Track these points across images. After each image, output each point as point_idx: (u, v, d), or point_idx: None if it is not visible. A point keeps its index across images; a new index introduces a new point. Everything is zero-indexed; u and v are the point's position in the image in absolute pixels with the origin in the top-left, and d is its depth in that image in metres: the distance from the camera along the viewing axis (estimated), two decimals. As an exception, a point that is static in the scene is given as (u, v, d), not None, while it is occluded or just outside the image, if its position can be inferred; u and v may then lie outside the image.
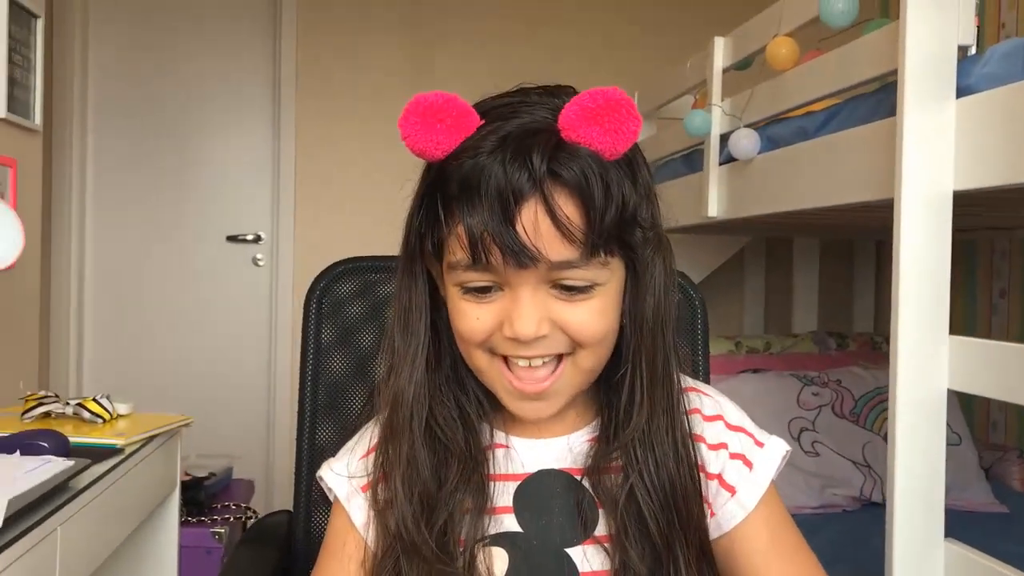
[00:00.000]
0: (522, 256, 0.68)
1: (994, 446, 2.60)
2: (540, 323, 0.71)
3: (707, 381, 1.13)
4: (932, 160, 1.24)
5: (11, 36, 2.06)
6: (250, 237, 3.49)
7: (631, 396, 0.76)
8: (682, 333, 1.13)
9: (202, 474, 2.29)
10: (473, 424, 0.79)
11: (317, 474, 0.85)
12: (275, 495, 3.30)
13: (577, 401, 0.80)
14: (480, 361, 0.75)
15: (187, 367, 3.46)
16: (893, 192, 1.27)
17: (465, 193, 0.69)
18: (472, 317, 0.73)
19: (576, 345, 0.73)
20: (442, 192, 0.71)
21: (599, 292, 0.72)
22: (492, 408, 0.81)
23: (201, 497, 2.23)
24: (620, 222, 0.70)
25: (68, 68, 3.35)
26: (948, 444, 1.27)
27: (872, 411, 2.35)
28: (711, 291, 3.23)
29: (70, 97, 3.35)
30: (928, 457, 1.25)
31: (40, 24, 2.22)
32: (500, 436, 0.81)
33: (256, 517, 2.20)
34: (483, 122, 0.71)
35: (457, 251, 0.71)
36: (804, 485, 2.19)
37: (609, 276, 0.73)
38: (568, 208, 0.68)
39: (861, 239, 3.25)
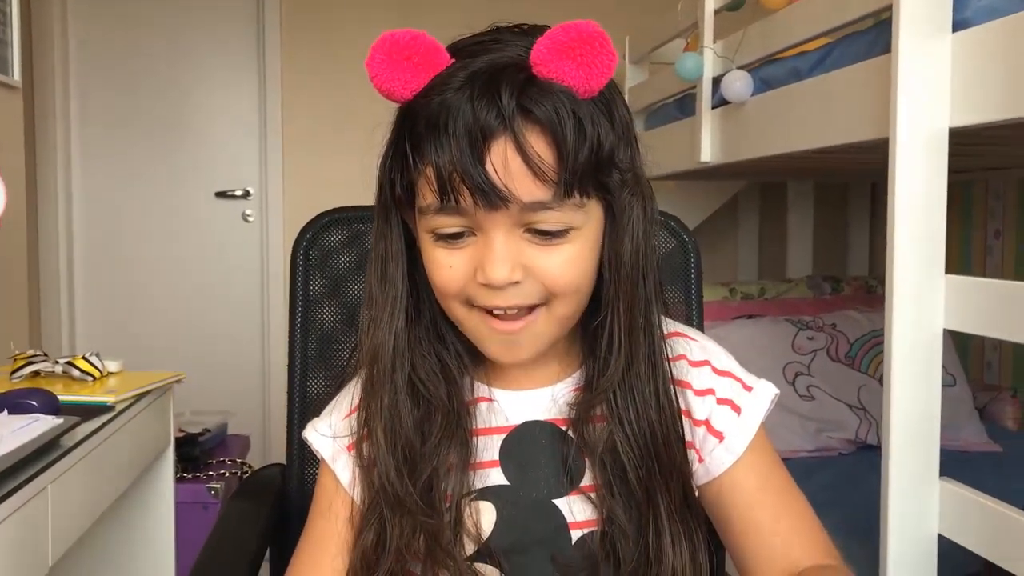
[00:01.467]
0: (492, 196, 0.65)
1: (988, 387, 2.61)
2: (513, 268, 0.68)
3: (701, 327, 1.12)
4: (927, 96, 1.22)
5: (-15, -10, 2.01)
6: (239, 193, 3.46)
7: (610, 342, 0.74)
8: (675, 279, 1.12)
9: (196, 430, 2.29)
10: (455, 378, 0.77)
11: (303, 434, 0.84)
12: (271, 450, 3.31)
13: (560, 351, 0.79)
14: (459, 312, 0.73)
15: (179, 324, 3.45)
16: (888, 131, 1.25)
17: (432, 132, 0.66)
18: (445, 265, 0.70)
19: (550, 295, 0.71)
20: (410, 132, 0.68)
21: (575, 237, 0.70)
22: (473, 362, 0.79)
23: (196, 453, 2.23)
24: (595, 162, 0.68)
25: (48, 24, 3.28)
26: (943, 385, 1.27)
27: (867, 354, 2.36)
28: (705, 237, 3.22)
29: (50, 54, 3.29)
30: (924, 396, 1.24)
31: (16, -23, 2.16)
32: (483, 389, 0.79)
33: (251, 471, 2.21)
34: (453, 60, 0.69)
35: (427, 194, 0.68)
36: (800, 429, 2.20)
37: (585, 219, 0.70)
38: (539, 146, 0.65)
39: (856, 182, 3.23)
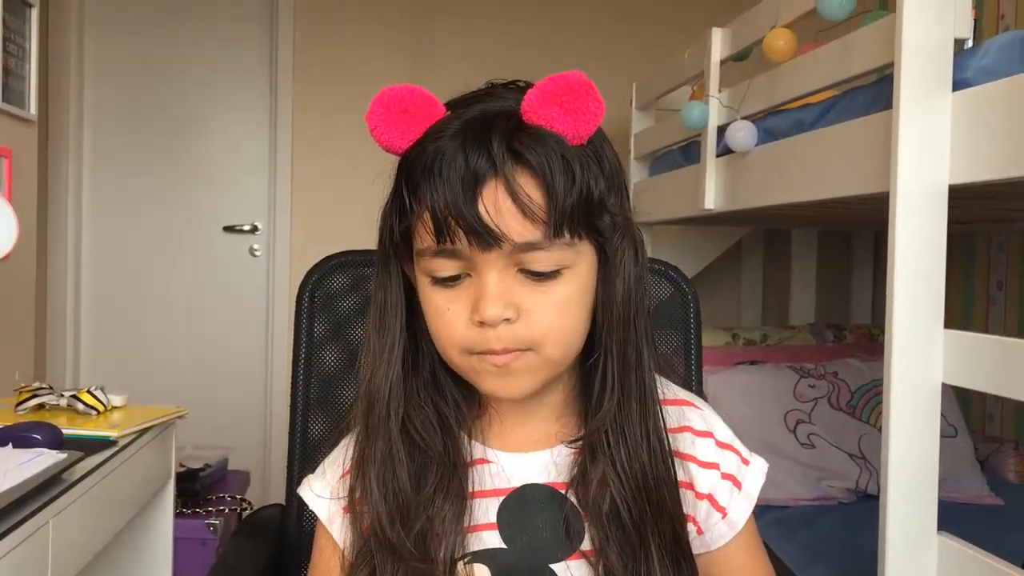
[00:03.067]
0: (485, 236, 0.67)
1: (990, 438, 2.60)
2: (506, 306, 0.69)
3: (699, 374, 1.14)
4: (928, 154, 1.24)
5: (5, 25, 2.05)
6: (247, 227, 3.49)
7: (603, 383, 0.75)
8: (674, 327, 1.13)
9: (197, 465, 2.29)
10: (452, 429, 0.78)
11: (298, 491, 0.85)
12: (271, 486, 3.31)
13: (559, 411, 0.80)
14: (457, 360, 0.74)
15: (184, 357, 3.46)
16: (889, 185, 1.27)
17: (428, 176, 0.69)
18: (443, 309, 0.72)
19: (539, 343, 0.71)
20: (407, 178, 0.71)
21: (568, 277, 0.71)
22: (472, 417, 0.80)
23: (196, 488, 2.23)
24: (586, 205, 0.70)
25: (64, 59, 3.33)
26: (944, 436, 1.27)
27: (868, 403, 2.35)
28: (709, 283, 3.23)
29: (66, 88, 3.34)
30: (922, 451, 1.24)
31: (35, 13, 2.21)
32: (482, 450, 0.79)
33: (251, 508, 2.20)
34: (448, 113, 0.72)
35: (424, 237, 0.70)
36: (800, 477, 2.19)
37: (575, 258, 0.71)
38: (529, 188, 0.68)
39: (859, 230, 3.25)
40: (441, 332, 0.73)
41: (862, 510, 2.10)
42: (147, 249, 3.47)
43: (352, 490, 0.78)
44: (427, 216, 0.69)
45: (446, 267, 0.71)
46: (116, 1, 3.44)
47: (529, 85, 0.73)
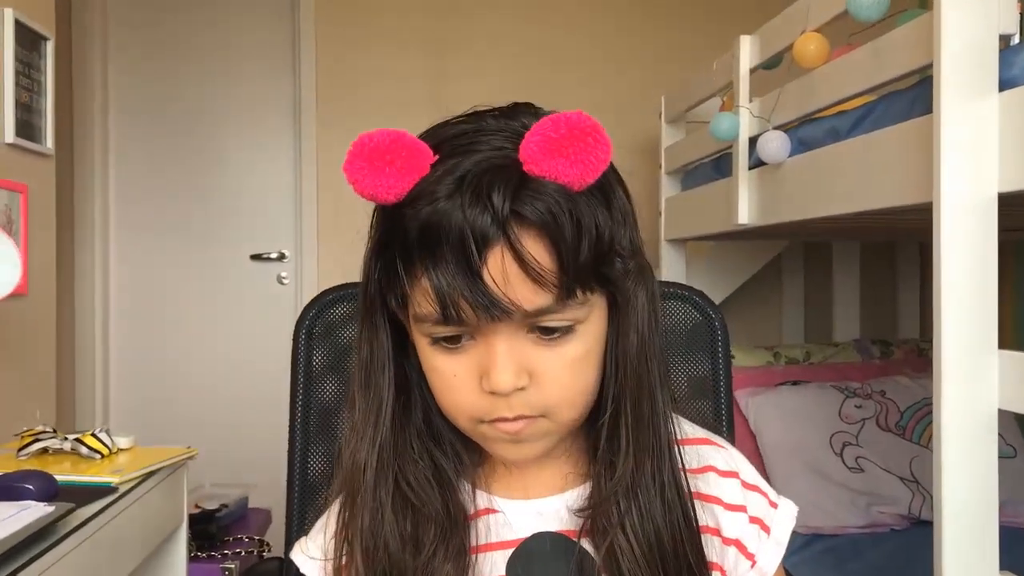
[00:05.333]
0: (493, 310, 0.61)
1: (1051, 457, 2.46)
2: (518, 373, 0.63)
3: (729, 399, 1.07)
4: (973, 160, 1.14)
5: (18, 59, 2.03)
6: (274, 255, 3.46)
7: (615, 442, 0.69)
8: (702, 354, 1.05)
9: (214, 505, 2.21)
10: (450, 481, 0.71)
11: (290, 555, 0.79)
12: (301, 520, 3.24)
13: (572, 454, 0.73)
14: (467, 426, 0.69)
15: (213, 389, 3.42)
16: (932, 196, 1.18)
17: (425, 244, 0.61)
18: (449, 374, 0.66)
19: (553, 407, 0.66)
20: (401, 242, 0.63)
21: (580, 332, 0.65)
22: (472, 464, 0.73)
23: (212, 530, 2.14)
24: (596, 256, 0.63)
25: (88, 93, 3.34)
26: (1002, 457, 1.18)
27: (919, 423, 2.24)
28: (747, 299, 3.13)
29: (91, 121, 3.35)
30: (979, 482, 1.15)
31: (50, 47, 2.19)
32: (487, 499, 0.73)
33: (269, 550, 2.13)
34: (436, 157, 0.63)
35: (424, 304, 0.63)
36: (849, 503, 2.08)
37: (589, 312, 0.65)
38: (536, 251, 0.60)
39: (903, 241, 3.13)
40: (448, 399, 0.67)
41: (916, 537, 1.99)
42: (175, 279, 3.46)
43: (340, 547, 0.71)
44: (427, 286, 0.62)
45: (450, 331, 0.64)
46: (139, 34, 3.45)
47: (519, 109, 0.67)
